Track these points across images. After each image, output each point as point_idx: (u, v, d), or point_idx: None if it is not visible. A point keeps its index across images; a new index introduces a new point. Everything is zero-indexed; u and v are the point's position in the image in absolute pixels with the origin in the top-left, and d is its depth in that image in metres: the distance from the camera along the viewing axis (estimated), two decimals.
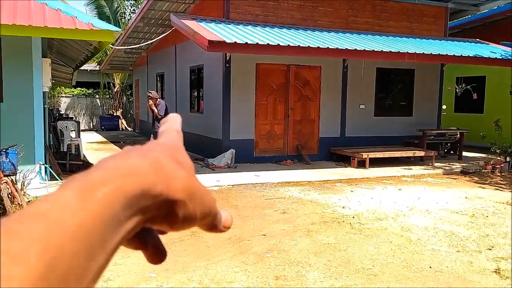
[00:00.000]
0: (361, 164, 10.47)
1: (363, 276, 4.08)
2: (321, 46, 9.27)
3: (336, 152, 11.40)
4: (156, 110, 9.55)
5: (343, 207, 6.69)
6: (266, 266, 4.29)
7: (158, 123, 9.43)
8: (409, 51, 10.07)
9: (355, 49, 9.59)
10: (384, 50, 9.86)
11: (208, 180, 8.57)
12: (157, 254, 0.40)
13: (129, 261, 4.32)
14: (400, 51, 9.99)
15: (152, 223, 0.35)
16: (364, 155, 10.46)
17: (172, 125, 0.42)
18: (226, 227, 0.40)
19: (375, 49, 9.83)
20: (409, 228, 5.62)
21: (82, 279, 0.28)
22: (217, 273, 4.09)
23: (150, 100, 9.56)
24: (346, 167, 10.57)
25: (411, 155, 11.22)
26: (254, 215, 6.16)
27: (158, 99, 9.75)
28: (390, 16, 12.27)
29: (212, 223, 0.39)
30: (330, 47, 9.36)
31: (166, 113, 9.42)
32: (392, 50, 9.97)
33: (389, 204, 6.92)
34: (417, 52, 10.16)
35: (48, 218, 0.28)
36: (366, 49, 9.71)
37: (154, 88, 17.12)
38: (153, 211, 0.33)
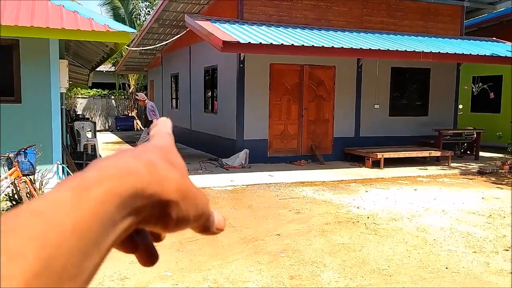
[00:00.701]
0: (376, 164, 10.41)
1: (379, 276, 4.07)
2: (335, 46, 9.24)
3: (350, 152, 11.35)
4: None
5: (358, 207, 6.66)
6: (280, 265, 4.30)
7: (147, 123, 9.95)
8: (425, 50, 9.98)
9: (370, 49, 9.53)
10: (399, 50, 9.79)
11: (222, 180, 8.61)
12: (149, 257, 0.40)
13: None
14: (416, 51, 9.91)
15: (146, 224, 0.35)
16: (379, 155, 10.40)
17: (162, 128, 0.43)
18: (218, 229, 0.40)
19: (390, 49, 9.76)
20: (425, 229, 5.58)
21: (76, 279, 0.28)
22: (232, 272, 4.11)
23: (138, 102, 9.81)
24: (360, 167, 10.52)
25: (427, 155, 11.12)
26: (268, 215, 6.17)
27: (146, 101, 10.22)
28: (405, 15, 12.17)
29: (205, 225, 0.38)
30: (344, 46, 9.33)
31: (155, 114, 10.08)
32: (407, 50, 9.89)
33: (404, 205, 6.88)
34: (433, 51, 10.06)
35: (45, 216, 0.28)
36: (381, 49, 9.65)
37: (169, 89, 17.27)
38: (147, 212, 0.33)
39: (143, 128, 23.40)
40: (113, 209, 0.31)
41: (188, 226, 0.37)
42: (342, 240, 5.11)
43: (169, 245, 4.82)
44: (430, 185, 8.53)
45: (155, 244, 0.40)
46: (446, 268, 4.30)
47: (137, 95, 10.23)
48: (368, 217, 6.10)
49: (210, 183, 8.33)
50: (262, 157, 10.71)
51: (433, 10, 12.42)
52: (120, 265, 4.23)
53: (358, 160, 10.94)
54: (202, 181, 8.53)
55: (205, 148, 12.99)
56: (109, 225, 0.31)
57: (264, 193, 7.57)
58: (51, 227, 0.27)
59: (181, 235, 5.16)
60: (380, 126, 12.01)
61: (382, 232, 5.44)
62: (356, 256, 4.59)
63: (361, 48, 9.47)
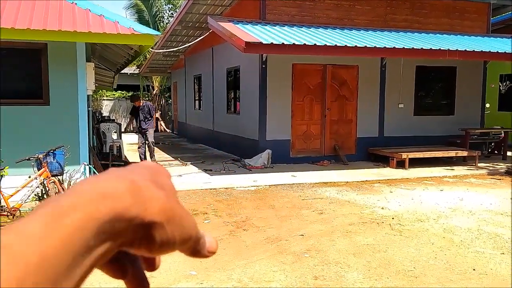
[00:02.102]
0: (401, 165, 10.28)
1: (404, 277, 4.02)
2: (358, 45, 9.17)
3: (374, 152, 11.23)
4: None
5: (382, 208, 6.59)
6: (304, 266, 4.29)
7: (146, 124, 10.65)
8: (450, 49, 9.81)
9: (394, 47, 9.42)
10: (423, 48, 9.65)
11: (245, 181, 8.64)
12: (138, 285, 0.39)
13: (169, 259, 4.43)
14: (441, 49, 9.75)
15: (128, 247, 0.34)
16: (404, 155, 10.26)
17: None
18: (210, 252, 0.39)
19: (415, 47, 9.63)
20: (452, 230, 5.49)
21: None
22: (256, 272, 4.13)
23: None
24: (384, 167, 10.40)
25: (453, 155, 10.92)
26: (291, 215, 6.17)
27: (142, 102, 10.76)
28: (430, 13, 11.98)
29: (194, 248, 0.37)
30: (368, 45, 9.25)
31: (151, 115, 10.76)
32: (432, 48, 9.73)
33: (430, 205, 6.77)
34: (459, 49, 9.88)
35: (10, 250, 0.27)
36: (405, 47, 9.53)
37: (192, 90, 17.43)
38: (128, 235, 0.32)
39: (167, 130, 23.75)
40: (88, 235, 0.29)
41: (174, 249, 0.35)
42: (367, 241, 5.07)
43: None
44: (456, 186, 8.37)
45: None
46: (474, 269, 4.22)
47: (134, 97, 11.05)
48: (393, 218, 6.03)
49: (233, 183, 8.38)
50: (284, 157, 10.70)
51: (458, 8, 12.19)
52: None
53: (382, 160, 10.83)
54: (225, 181, 8.59)
55: (228, 149, 13.06)
56: (84, 252, 0.29)
57: (287, 194, 7.57)
58: (15, 261, 0.26)
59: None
60: (404, 126, 11.85)
61: (407, 233, 5.37)
62: (381, 257, 4.55)
63: (384, 47, 9.37)
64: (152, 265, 0.41)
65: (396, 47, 9.46)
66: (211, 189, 7.90)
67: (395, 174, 9.55)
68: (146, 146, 10.99)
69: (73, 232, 0.29)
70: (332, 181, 8.65)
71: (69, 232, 0.29)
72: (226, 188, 7.99)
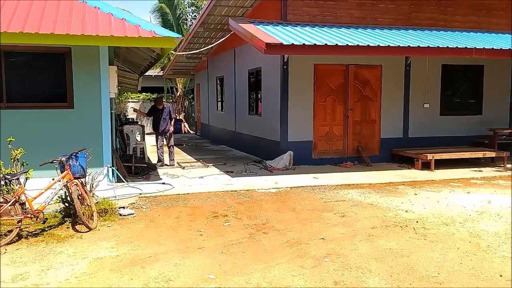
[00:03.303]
0: (426, 166, 10.05)
1: (428, 284, 3.90)
2: (381, 44, 9.01)
3: (398, 153, 11.02)
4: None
5: (406, 211, 6.44)
6: (324, 270, 4.21)
7: (166, 125, 11.06)
8: (477, 47, 9.53)
9: (418, 46, 9.22)
10: (449, 46, 9.40)
11: (266, 182, 8.59)
12: None
13: (189, 262, 4.42)
14: (467, 47, 9.49)
15: None
16: (429, 156, 10.03)
17: None
18: None
19: (440, 45, 9.40)
20: (478, 234, 5.31)
21: None
22: (275, 276, 4.07)
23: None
24: (409, 169, 10.19)
25: (481, 156, 10.61)
26: (312, 218, 6.09)
27: (163, 104, 11.17)
28: (456, 11, 11.68)
29: None
30: (391, 45, 9.07)
31: (170, 116, 11.13)
32: (458, 46, 9.48)
33: (456, 208, 6.58)
34: (486, 47, 9.59)
35: None
36: (430, 46, 9.31)
37: (214, 92, 17.49)
38: None
39: (191, 131, 23.92)
40: None
41: None
42: (389, 245, 4.95)
43: (213, 247, 4.86)
44: (484, 188, 8.12)
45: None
46: (500, 275, 4.06)
47: (161, 102, 11.32)
48: (417, 221, 5.88)
49: (254, 185, 8.34)
50: (306, 159, 10.61)
51: (485, 5, 11.85)
52: (164, 267, 4.30)
53: (407, 162, 10.61)
54: (246, 183, 8.55)
55: (250, 150, 13.04)
56: None
57: (309, 196, 7.48)
58: None
59: (225, 238, 5.18)
60: (430, 126, 11.60)
61: (432, 237, 5.22)
62: (404, 262, 4.43)
63: (408, 45, 9.18)
64: None
65: (421, 46, 9.25)
66: (232, 191, 7.88)
67: (420, 175, 9.34)
68: (165, 147, 11.12)
69: None
70: (354, 183, 8.52)
71: None
72: (247, 190, 7.96)
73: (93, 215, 5.79)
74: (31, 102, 7.76)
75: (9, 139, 5.96)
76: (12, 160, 5.84)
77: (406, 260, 4.48)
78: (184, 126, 24.20)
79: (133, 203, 6.92)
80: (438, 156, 10.12)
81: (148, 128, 17.15)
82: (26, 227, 5.55)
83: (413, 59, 11.13)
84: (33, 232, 5.44)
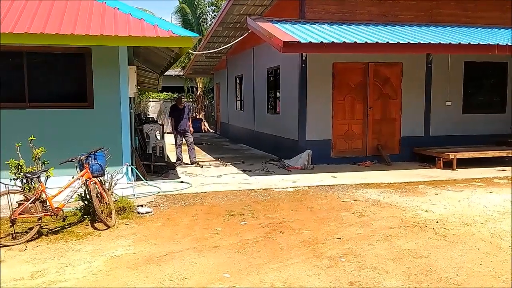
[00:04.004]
0: (448, 165, 9.86)
1: (446, 285, 3.82)
2: (401, 42, 8.87)
3: (419, 152, 10.84)
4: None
5: (426, 211, 6.32)
6: (340, 270, 4.17)
7: (186, 125, 11.22)
8: (500, 43, 9.30)
9: (439, 43, 9.04)
10: (471, 43, 9.19)
11: (284, 181, 8.56)
12: None
13: (204, 261, 4.43)
14: (490, 43, 9.26)
15: None
16: (451, 155, 9.84)
17: None
18: None
19: (462, 42, 9.20)
20: (500, 235, 5.17)
21: None
22: (290, 276, 4.05)
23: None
24: (430, 168, 10.02)
25: (505, 155, 10.34)
26: (329, 217, 6.03)
27: (184, 103, 11.36)
28: (479, 6, 11.41)
29: None
30: (411, 42, 8.92)
31: (189, 116, 11.35)
32: (481, 43, 9.26)
33: (478, 208, 6.43)
34: (509, 44, 9.34)
35: None
36: (452, 43, 9.12)
37: (233, 91, 17.53)
38: None
39: (210, 130, 24.03)
40: None
41: None
42: (408, 245, 4.87)
43: (228, 246, 4.86)
44: (507, 187, 7.92)
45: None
46: None
47: (179, 100, 11.48)
48: (437, 222, 5.77)
49: (271, 184, 8.32)
50: (325, 158, 10.53)
51: (510, 0, 11.54)
52: (180, 265, 4.32)
53: (428, 161, 10.43)
54: (264, 182, 8.54)
55: (268, 149, 13.02)
56: None
57: (326, 195, 7.42)
58: None
59: (241, 237, 5.18)
60: (452, 125, 11.37)
61: (452, 237, 5.12)
62: (422, 263, 4.35)
63: (429, 42, 9.01)
64: None
65: (442, 42, 9.07)
66: (249, 189, 7.87)
67: (441, 175, 9.17)
68: (184, 146, 11.21)
69: None
70: (373, 183, 8.41)
71: None
72: (264, 189, 7.94)
73: (111, 213, 5.86)
74: (52, 102, 7.90)
75: (30, 138, 6.07)
76: (33, 159, 5.95)
77: (425, 261, 4.40)
78: (204, 125, 24.33)
79: (151, 202, 6.98)
80: (460, 155, 9.92)
81: (168, 128, 17.29)
82: (47, 225, 5.66)
83: (434, 56, 10.93)
84: (53, 230, 5.54)
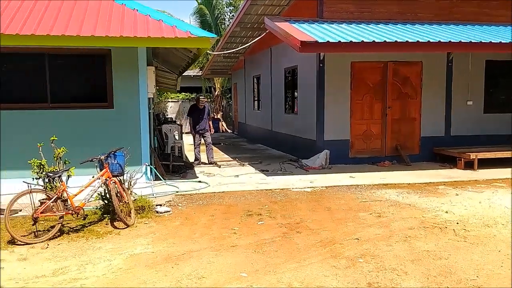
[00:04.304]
0: (469, 165, 9.70)
1: (466, 287, 3.76)
2: (420, 40, 8.76)
3: (440, 152, 10.69)
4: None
5: (447, 212, 6.23)
6: (358, 271, 4.14)
7: (205, 125, 11.29)
8: None
9: (460, 41, 8.91)
10: (492, 41, 9.03)
11: (302, 181, 8.54)
12: None
13: (221, 260, 4.46)
14: None
15: None
16: (472, 156, 9.68)
17: None
18: None
19: (483, 41, 9.04)
20: None
21: None
22: (307, 276, 4.04)
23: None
24: (451, 168, 9.87)
25: None
26: (347, 218, 6.00)
27: (204, 102, 11.35)
28: (501, 4, 11.20)
29: None
30: (431, 40, 8.81)
31: (209, 116, 11.42)
32: (502, 41, 9.09)
33: (499, 209, 6.31)
34: None
35: None
36: (472, 41, 8.98)
37: (251, 91, 17.55)
38: None
39: (228, 130, 24.11)
40: None
41: None
42: (427, 246, 4.81)
43: (245, 246, 4.87)
44: None
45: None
46: None
47: (200, 99, 11.41)
48: (457, 223, 5.69)
49: (289, 184, 8.31)
50: (343, 158, 10.47)
51: None
52: (198, 264, 4.35)
53: (448, 161, 10.28)
54: (281, 182, 8.53)
55: (286, 149, 13.00)
56: None
57: (344, 195, 7.37)
58: None
59: (258, 237, 5.19)
60: (473, 124, 11.18)
61: (472, 239, 5.03)
62: (442, 264, 4.29)
63: (449, 41, 8.88)
64: None
65: (463, 41, 8.93)
66: (266, 190, 7.88)
67: (462, 175, 9.02)
68: (202, 146, 11.28)
69: None
70: (392, 183, 8.33)
71: None
72: (282, 189, 7.94)
73: (130, 212, 5.94)
74: (73, 103, 8.05)
75: (52, 138, 6.20)
76: (55, 159, 6.07)
77: (444, 262, 4.34)
78: (222, 125, 24.42)
79: (170, 201, 7.05)
80: (482, 155, 9.75)
81: (186, 128, 17.41)
82: (68, 223, 5.76)
83: (455, 55, 10.76)
84: (74, 228, 5.64)
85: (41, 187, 5.79)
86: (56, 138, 6.24)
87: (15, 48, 7.52)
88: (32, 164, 5.91)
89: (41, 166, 5.93)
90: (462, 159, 9.83)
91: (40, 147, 6.13)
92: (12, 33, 6.95)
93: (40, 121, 7.84)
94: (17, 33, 6.95)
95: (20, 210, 6.03)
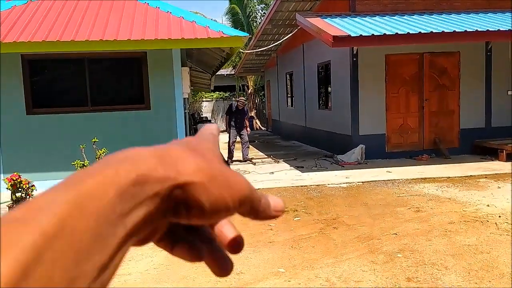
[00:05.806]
0: (511, 158, 9.37)
1: (508, 282, 3.67)
2: (457, 30, 8.53)
3: (480, 144, 10.38)
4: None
5: (488, 205, 6.07)
6: (396, 266, 4.11)
7: (243, 123, 11.29)
8: None
9: (498, 30, 8.61)
10: None
11: (337, 177, 8.50)
12: (220, 265, 0.36)
13: (259, 256, 4.52)
14: None
15: (176, 216, 0.31)
16: None
17: (207, 130, 0.39)
18: (277, 211, 0.35)
19: None
20: None
21: (76, 281, 0.25)
22: (344, 271, 4.04)
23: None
24: (492, 161, 9.57)
25: None
26: (385, 213, 5.94)
27: (243, 103, 11.44)
28: None
29: (256, 209, 0.34)
30: (468, 30, 8.56)
31: (247, 114, 11.57)
32: None
33: None
34: None
35: (24, 221, 0.25)
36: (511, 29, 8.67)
37: (284, 88, 17.55)
38: (165, 199, 0.29)
39: (262, 128, 24.21)
40: (112, 201, 0.27)
41: (230, 211, 0.32)
42: (468, 241, 4.71)
43: (282, 242, 4.92)
44: None
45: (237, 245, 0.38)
46: None
47: (239, 100, 11.51)
48: (499, 216, 5.53)
49: (324, 180, 8.28)
50: (379, 152, 10.33)
51: None
52: (235, 260, 4.40)
53: (489, 153, 9.97)
54: (316, 178, 8.52)
55: (320, 145, 12.94)
56: (113, 219, 0.27)
57: (381, 190, 7.29)
58: (28, 232, 0.24)
59: (294, 233, 5.23)
60: None
61: None
62: (483, 258, 4.20)
63: (487, 30, 8.60)
64: (237, 246, 0.37)
65: (501, 29, 8.63)
66: (302, 186, 7.89)
67: (504, 168, 8.74)
68: (237, 144, 11.39)
69: (92, 198, 0.27)
70: (431, 177, 8.16)
71: (87, 197, 0.27)
72: (317, 185, 7.93)
73: None
74: (112, 105, 8.31)
75: (93, 140, 6.44)
76: (97, 159, 6.31)
77: (486, 256, 4.25)
78: (256, 123, 24.53)
79: None
80: None
81: (221, 127, 17.59)
82: None
83: (494, 44, 10.41)
84: None
85: None
86: (97, 140, 6.48)
87: (56, 54, 7.83)
88: (76, 165, 6.16)
89: (84, 167, 6.17)
90: (504, 151, 9.51)
91: (83, 149, 6.37)
92: (53, 39, 7.25)
93: (81, 124, 8.14)
94: (57, 40, 7.24)
95: None
